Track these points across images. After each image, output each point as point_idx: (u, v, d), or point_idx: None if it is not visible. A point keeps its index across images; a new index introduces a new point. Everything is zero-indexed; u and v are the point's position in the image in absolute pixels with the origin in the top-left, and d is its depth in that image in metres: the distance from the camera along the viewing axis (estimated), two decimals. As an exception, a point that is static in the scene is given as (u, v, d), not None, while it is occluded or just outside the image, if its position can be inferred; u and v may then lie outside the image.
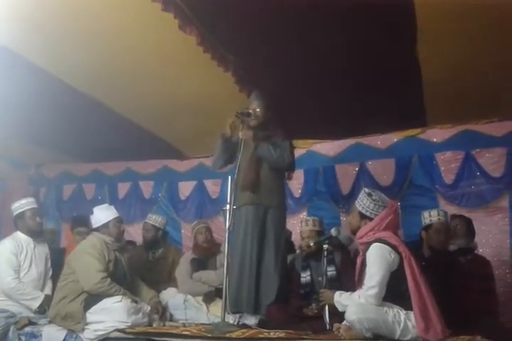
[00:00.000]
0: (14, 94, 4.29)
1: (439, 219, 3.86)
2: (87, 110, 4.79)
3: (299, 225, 4.22)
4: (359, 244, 3.33)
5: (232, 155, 4.10)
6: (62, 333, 3.76)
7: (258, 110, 4.02)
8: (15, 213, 4.42)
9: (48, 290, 4.30)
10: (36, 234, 4.44)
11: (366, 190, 3.30)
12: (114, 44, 3.79)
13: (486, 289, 3.84)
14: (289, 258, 4.27)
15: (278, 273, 3.84)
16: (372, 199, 3.20)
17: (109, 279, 3.79)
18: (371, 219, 3.20)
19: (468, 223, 4.05)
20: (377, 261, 3.01)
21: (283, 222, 4.08)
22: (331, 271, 3.71)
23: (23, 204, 4.43)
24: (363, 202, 3.24)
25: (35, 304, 4.14)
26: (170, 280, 4.59)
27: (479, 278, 3.80)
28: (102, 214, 4.07)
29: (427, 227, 3.88)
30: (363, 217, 3.24)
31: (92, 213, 4.15)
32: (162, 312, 3.99)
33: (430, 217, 3.89)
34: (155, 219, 4.98)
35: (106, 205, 4.25)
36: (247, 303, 3.76)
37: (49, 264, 4.46)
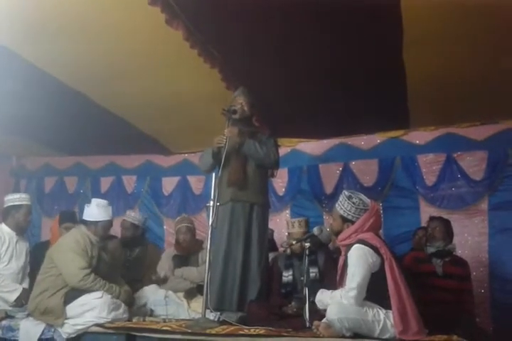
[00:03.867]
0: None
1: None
2: (71, 103, 4.74)
3: (286, 227, 4.22)
4: (341, 245, 3.35)
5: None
6: (40, 327, 3.72)
7: (243, 106, 4.03)
8: (10, 204, 4.37)
9: (26, 285, 4.26)
10: (21, 230, 4.42)
11: (346, 192, 3.30)
12: (101, 40, 3.75)
13: (463, 290, 3.89)
14: (271, 256, 4.29)
15: (261, 271, 3.85)
16: (353, 203, 3.21)
17: (92, 275, 3.75)
18: (353, 222, 3.22)
19: (446, 225, 4.10)
20: (358, 263, 3.04)
21: (266, 220, 4.10)
22: (313, 272, 3.72)
23: (22, 198, 4.42)
24: (344, 205, 3.25)
25: (13, 297, 4.11)
26: (146, 280, 4.54)
27: (457, 279, 3.86)
28: (97, 211, 3.97)
29: None
30: (344, 220, 3.25)
31: (88, 203, 4.07)
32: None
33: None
34: (134, 216, 4.86)
35: (106, 203, 4.08)
36: (231, 300, 3.76)
37: (28, 260, 4.42)
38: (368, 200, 3.28)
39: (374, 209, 3.27)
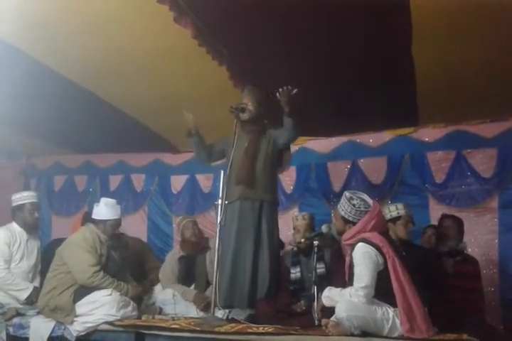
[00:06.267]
0: (7, 85, 4.26)
1: (406, 211, 4.09)
2: (81, 102, 4.76)
3: (293, 221, 4.24)
4: (346, 244, 3.35)
5: (214, 150, 4.17)
6: (51, 325, 3.77)
7: (250, 104, 4.03)
8: (14, 204, 4.42)
9: (36, 283, 4.30)
10: (31, 228, 4.44)
11: (347, 193, 3.29)
12: (110, 37, 3.77)
13: (473, 288, 3.88)
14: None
15: (270, 270, 3.85)
16: (353, 205, 3.21)
17: (101, 273, 3.79)
18: (355, 223, 3.22)
19: (459, 224, 4.08)
20: (363, 261, 3.04)
21: (276, 217, 4.08)
22: (320, 268, 3.73)
23: (24, 197, 4.44)
24: (345, 207, 3.25)
25: (23, 295, 4.14)
26: (145, 274, 4.58)
27: (467, 278, 3.84)
28: (105, 210, 4.04)
29: (395, 219, 4.03)
30: (346, 221, 3.26)
31: (98, 202, 4.14)
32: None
33: (397, 209, 4.09)
34: None
35: (114, 202, 4.16)
36: (241, 298, 3.76)
37: (39, 258, 4.46)
38: (370, 201, 3.26)
39: (375, 210, 3.25)
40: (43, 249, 4.65)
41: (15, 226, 4.40)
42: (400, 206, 4.12)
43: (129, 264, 4.60)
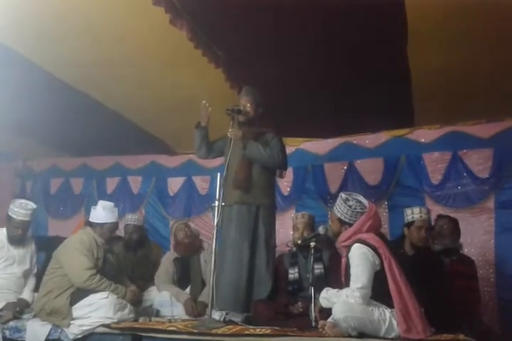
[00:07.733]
0: (3, 87, 4.25)
1: (421, 216, 3.90)
2: (77, 104, 4.76)
3: (292, 220, 4.25)
4: (342, 246, 3.35)
5: (214, 146, 4.17)
6: (47, 328, 3.74)
7: (248, 106, 4.03)
8: (7, 212, 4.26)
9: (28, 289, 4.24)
10: (12, 241, 4.24)
11: (343, 195, 3.29)
12: (105, 39, 3.78)
13: (470, 288, 3.88)
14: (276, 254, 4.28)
15: (270, 273, 3.85)
16: (349, 206, 3.21)
17: (98, 276, 3.77)
18: (351, 225, 3.22)
19: (454, 223, 4.08)
20: (360, 262, 3.04)
21: (273, 221, 4.09)
22: (318, 268, 3.74)
23: (15, 211, 4.19)
24: (341, 208, 3.25)
25: None
26: (153, 278, 4.57)
27: (464, 277, 3.84)
28: (103, 213, 4.01)
29: (409, 224, 3.90)
30: (342, 222, 3.26)
31: (95, 205, 4.12)
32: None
33: (413, 214, 3.93)
34: (135, 218, 4.88)
35: (111, 205, 4.11)
36: (237, 301, 3.76)
37: (34, 261, 4.40)
38: (365, 202, 3.26)
39: (372, 211, 3.25)
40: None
41: (4, 232, 4.26)
42: (416, 210, 3.93)
43: (147, 265, 4.71)
